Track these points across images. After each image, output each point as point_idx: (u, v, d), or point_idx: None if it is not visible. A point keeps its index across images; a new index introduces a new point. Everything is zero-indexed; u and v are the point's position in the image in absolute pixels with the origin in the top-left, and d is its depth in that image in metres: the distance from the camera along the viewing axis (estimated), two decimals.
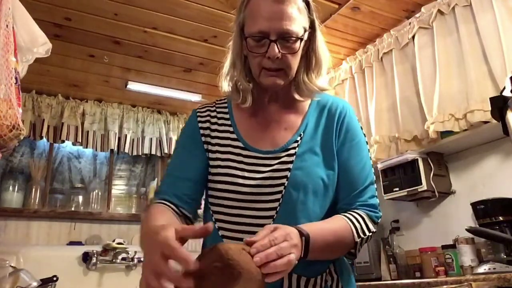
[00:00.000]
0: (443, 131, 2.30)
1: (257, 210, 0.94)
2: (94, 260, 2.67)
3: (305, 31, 0.97)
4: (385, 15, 2.62)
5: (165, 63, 2.96)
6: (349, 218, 0.92)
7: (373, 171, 1.03)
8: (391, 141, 2.64)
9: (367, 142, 1.05)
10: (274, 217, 0.93)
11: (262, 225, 0.88)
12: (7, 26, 1.42)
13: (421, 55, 2.49)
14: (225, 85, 1.05)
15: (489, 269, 1.93)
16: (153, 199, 1.00)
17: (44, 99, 3.24)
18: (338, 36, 2.82)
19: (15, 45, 1.51)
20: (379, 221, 0.98)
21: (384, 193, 2.59)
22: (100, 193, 3.45)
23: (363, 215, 0.95)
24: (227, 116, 1.06)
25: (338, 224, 0.91)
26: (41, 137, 3.17)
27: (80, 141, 3.31)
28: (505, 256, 1.98)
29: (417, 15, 2.55)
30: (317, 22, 1.01)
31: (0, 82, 1.34)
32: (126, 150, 3.48)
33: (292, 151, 0.97)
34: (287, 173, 0.95)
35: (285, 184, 0.94)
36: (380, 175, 2.62)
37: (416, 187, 2.42)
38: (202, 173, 1.01)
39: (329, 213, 0.96)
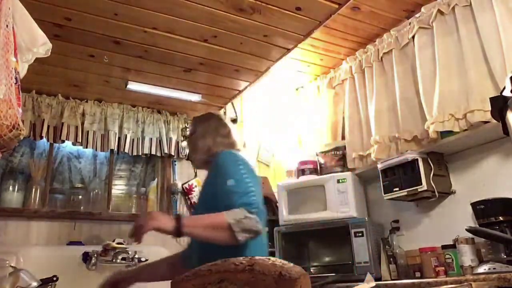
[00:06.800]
0: (443, 131, 2.30)
1: None
2: (94, 260, 2.67)
3: None
4: (385, 15, 2.62)
5: (165, 63, 2.95)
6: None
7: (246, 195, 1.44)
8: (391, 141, 2.64)
9: (244, 174, 1.49)
10: None
11: None
12: (7, 26, 1.42)
13: (421, 55, 2.49)
14: None
15: (489, 269, 1.93)
16: None
17: (44, 99, 3.23)
18: (338, 36, 2.82)
19: (15, 45, 1.51)
20: (254, 209, 1.38)
21: (384, 193, 2.59)
22: (100, 193, 3.44)
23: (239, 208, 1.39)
24: None
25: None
26: (41, 137, 3.16)
27: (80, 141, 3.30)
28: (505, 256, 1.98)
29: (417, 15, 2.55)
30: None
31: (0, 82, 1.34)
32: (126, 150, 3.48)
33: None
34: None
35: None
36: (380, 175, 2.61)
37: (416, 187, 2.42)
38: None
39: None
